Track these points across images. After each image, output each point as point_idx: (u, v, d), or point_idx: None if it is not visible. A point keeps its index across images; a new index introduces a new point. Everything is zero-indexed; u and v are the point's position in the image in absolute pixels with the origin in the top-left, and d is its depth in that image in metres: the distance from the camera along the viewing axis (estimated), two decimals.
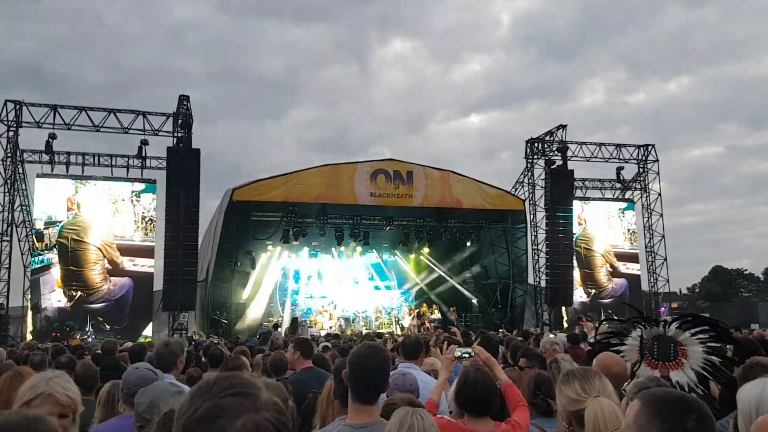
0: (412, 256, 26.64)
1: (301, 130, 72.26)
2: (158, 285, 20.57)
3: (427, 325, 23.54)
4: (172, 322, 20.09)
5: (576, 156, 25.56)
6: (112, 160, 21.34)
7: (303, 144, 72.85)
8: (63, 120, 20.06)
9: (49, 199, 20.04)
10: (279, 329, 21.32)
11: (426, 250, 25.48)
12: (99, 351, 7.61)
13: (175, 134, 20.73)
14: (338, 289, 25.52)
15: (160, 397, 2.80)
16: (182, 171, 19.40)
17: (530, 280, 25.20)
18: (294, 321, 21.81)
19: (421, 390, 3.91)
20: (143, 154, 21.33)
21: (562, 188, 23.88)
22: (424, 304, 25.15)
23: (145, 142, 21.16)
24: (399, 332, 21.19)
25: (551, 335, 10.06)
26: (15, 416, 1.62)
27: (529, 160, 25.67)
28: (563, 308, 24.88)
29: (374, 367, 2.55)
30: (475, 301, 25.87)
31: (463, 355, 3.61)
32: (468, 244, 25.15)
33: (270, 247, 23.82)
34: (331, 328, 22.46)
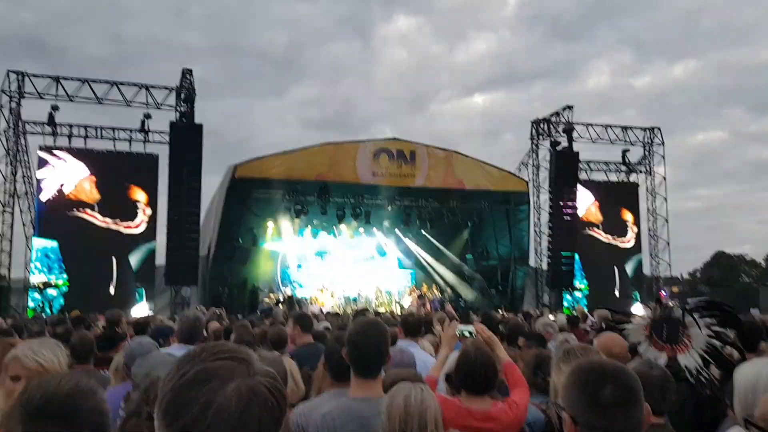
0: (414, 236, 26.68)
1: (303, 108, 71.91)
2: (160, 260, 20.65)
3: (428, 305, 23.65)
4: (174, 296, 20.20)
5: (581, 137, 25.45)
6: (114, 133, 21.27)
7: (305, 122, 72.56)
8: (65, 91, 19.96)
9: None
10: (280, 306, 21.45)
11: (428, 230, 25.49)
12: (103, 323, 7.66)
13: (178, 108, 20.62)
14: (339, 267, 25.58)
15: (156, 367, 2.82)
16: (185, 146, 19.34)
17: (532, 263, 25.28)
18: (291, 298, 21.92)
19: (420, 368, 3.92)
20: (146, 128, 21.24)
21: (567, 170, 23.81)
22: (425, 285, 25.23)
23: (147, 116, 21.07)
24: (399, 312, 21.27)
25: (551, 317, 10.11)
26: (66, 385, 1.55)
27: (534, 141, 25.60)
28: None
29: (371, 342, 2.58)
30: (476, 282, 25.95)
31: (465, 332, 3.59)
32: (470, 225, 25.14)
33: (272, 225, 23.84)
34: (332, 307, 22.57)
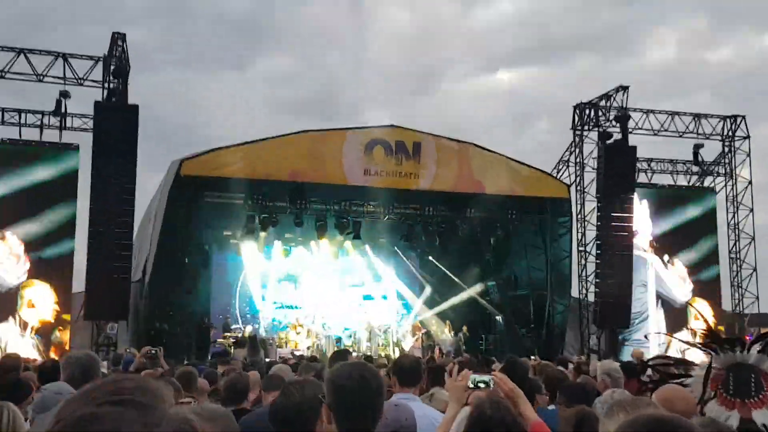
0: (418, 256, 26.62)
1: (272, 86, 71.81)
2: (78, 286, 20.52)
3: (436, 349, 23.61)
4: (96, 335, 20.11)
5: (640, 128, 25.52)
6: (20, 117, 21.25)
7: (275, 104, 72.46)
8: None
9: None
10: (241, 348, 21.32)
11: (436, 248, 25.48)
12: None
13: (106, 85, 20.63)
14: (318, 297, 25.54)
15: None
16: (114, 134, 19.31)
17: (574, 293, 25.27)
18: (253, 338, 21.86)
19: (423, 427, 3.91)
20: (62, 110, 21.23)
21: (620, 169, 23.80)
22: (433, 321, 25.18)
23: (65, 95, 21.08)
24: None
25: (598, 365, 10.07)
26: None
27: (578, 132, 25.59)
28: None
29: (358, 389, 2.59)
30: (499, 318, 25.91)
31: (479, 384, 3.61)
32: (492, 242, 25.15)
33: (229, 239, 23.80)
34: (308, 348, 22.51)
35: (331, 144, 21.36)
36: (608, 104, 24.98)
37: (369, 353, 21.64)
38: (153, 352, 8.76)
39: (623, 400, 2.78)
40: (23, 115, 21.42)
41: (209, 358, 19.71)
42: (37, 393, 4.10)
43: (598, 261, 24.19)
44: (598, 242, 24.26)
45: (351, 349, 22.51)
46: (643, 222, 25.96)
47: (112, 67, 20.52)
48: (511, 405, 3.33)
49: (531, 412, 3.39)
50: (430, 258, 26.41)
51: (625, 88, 24.69)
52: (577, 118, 25.53)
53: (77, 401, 1.03)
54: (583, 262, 25.34)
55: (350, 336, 24.89)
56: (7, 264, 20.26)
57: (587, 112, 25.41)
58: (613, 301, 23.72)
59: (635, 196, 24.56)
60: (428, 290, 26.74)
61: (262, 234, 23.33)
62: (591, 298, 24.89)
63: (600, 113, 25.15)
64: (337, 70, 73.19)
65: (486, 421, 3.05)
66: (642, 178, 26.52)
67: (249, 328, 23.65)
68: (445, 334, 24.53)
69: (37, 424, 3.37)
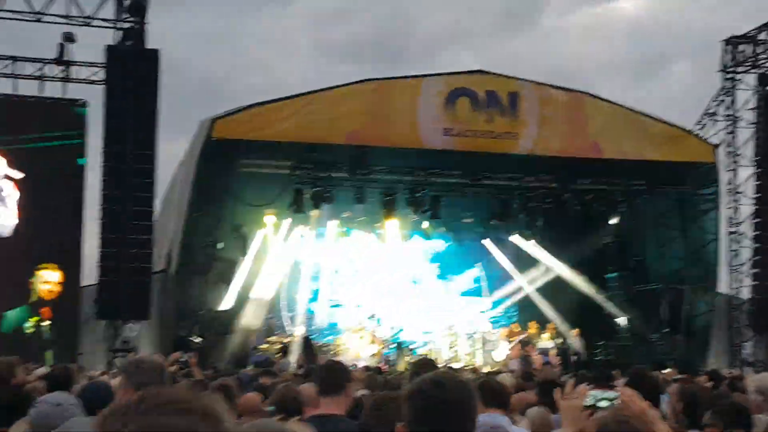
0: (515, 239, 26.50)
1: (323, 25, 71.85)
2: (89, 278, 21.17)
3: (534, 357, 23.52)
4: (113, 337, 20.72)
5: None
6: (15, 67, 21.89)
7: (327, 48, 72.48)
8: None
9: None
10: (287, 357, 21.70)
11: (539, 230, 25.34)
12: None
13: (119, 25, 21.07)
14: (385, 293, 25.69)
15: None
16: (130, 87, 19.73)
17: (722, 288, 24.88)
18: (307, 341, 22.17)
19: None
20: (66, 57, 21.79)
21: None
22: (533, 324, 25.08)
23: (69, 38, 21.59)
24: (489, 369, 21.21)
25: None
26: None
27: (728, 76, 25.11)
28: None
29: (449, 400, 2.65)
30: (622, 319, 25.66)
31: (600, 403, 3.59)
32: (613, 222, 24.83)
33: (272, 219, 24.15)
34: (372, 357, 22.71)
35: (400, 96, 21.41)
36: None
37: (452, 364, 21.71)
38: (184, 359, 8.99)
39: None
40: (19, 63, 21.95)
41: (248, 366, 20.13)
42: (33, 408, 4.24)
43: (756, 245, 23.86)
44: (757, 221, 23.91)
45: (426, 357, 22.66)
46: None
47: (126, 3, 20.93)
48: (640, 426, 3.29)
49: None
50: (531, 243, 26.23)
51: None
52: (728, 57, 25.07)
53: (122, 416, 1.06)
54: (734, 247, 24.92)
55: (426, 342, 24.97)
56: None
57: (742, 48, 24.96)
58: None
59: None
60: (527, 284, 26.59)
61: (314, 213, 23.52)
62: (745, 294, 24.58)
63: (759, 50, 24.68)
64: (405, 4, 72.97)
65: None
66: None
67: (299, 330, 23.98)
68: (548, 340, 24.36)
69: None
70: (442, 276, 27.13)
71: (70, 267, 21.47)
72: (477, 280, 27.22)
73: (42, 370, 10.17)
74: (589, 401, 3.63)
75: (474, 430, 2.75)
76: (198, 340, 21.89)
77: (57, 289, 20.88)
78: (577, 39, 73.86)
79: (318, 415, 4.79)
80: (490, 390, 4.90)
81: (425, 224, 25.23)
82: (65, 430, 3.20)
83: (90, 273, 21.02)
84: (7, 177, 20.67)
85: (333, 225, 25.31)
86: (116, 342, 20.68)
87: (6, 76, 21.88)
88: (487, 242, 26.69)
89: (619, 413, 3.41)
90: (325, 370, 5.18)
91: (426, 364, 5.77)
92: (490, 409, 4.75)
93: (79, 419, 3.50)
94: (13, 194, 20.73)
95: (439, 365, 18.85)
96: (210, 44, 69.29)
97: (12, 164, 20.79)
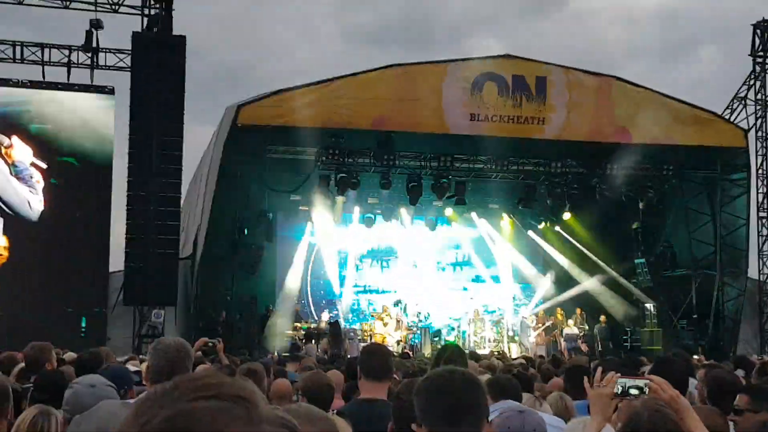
0: (542, 225, 26.43)
1: (347, 10, 71.70)
2: (116, 264, 21.38)
3: (562, 344, 23.54)
4: (138, 323, 20.90)
5: None
6: (43, 54, 22.06)
7: (351, 33, 72.48)
8: None
9: None
10: (312, 342, 21.82)
11: (566, 215, 25.29)
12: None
13: (145, 11, 21.16)
14: (411, 279, 25.72)
15: (105, 428, 2.92)
16: (157, 73, 19.84)
17: (753, 273, 24.77)
18: (335, 326, 22.21)
19: None
20: (94, 45, 21.91)
21: None
22: (559, 310, 25.03)
23: (96, 25, 21.72)
24: (517, 354, 21.20)
25: None
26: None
27: (759, 60, 25.09)
28: None
29: (457, 399, 2.71)
30: (650, 306, 25.58)
31: (630, 390, 3.59)
32: (641, 207, 24.73)
33: (299, 206, 24.22)
34: (398, 343, 22.78)
35: (426, 82, 21.36)
36: None
37: (477, 350, 21.72)
38: (211, 344, 9.04)
39: None
40: (47, 50, 22.13)
41: (273, 354, 20.25)
42: (68, 389, 4.29)
43: None
44: None
45: (453, 344, 22.68)
46: None
47: None
48: (671, 412, 3.28)
49: (699, 425, 3.34)
50: (558, 228, 26.16)
51: None
52: (758, 41, 25.07)
53: (158, 401, 1.07)
54: (765, 232, 24.95)
55: (453, 328, 25.01)
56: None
57: None
58: None
59: None
60: (554, 270, 26.54)
61: (340, 199, 23.57)
62: None
63: None
64: None
65: None
66: None
67: (326, 315, 24.09)
68: (574, 326, 24.32)
69: (75, 425, 3.51)
70: (467, 263, 27.11)
71: (98, 253, 21.73)
72: (507, 267, 27.12)
73: (71, 355, 10.28)
74: (618, 389, 3.62)
75: (483, 424, 2.75)
76: (224, 325, 22.04)
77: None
78: (605, 22, 73.38)
79: (366, 399, 4.78)
80: (499, 387, 4.88)
81: (450, 210, 25.17)
82: (97, 411, 3.23)
83: (117, 259, 21.27)
84: (34, 165, 20.85)
85: (359, 211, 25.35)
86: (143, 327, 20.89)
87: (35, 62, 22.12)
88: (514, 228, 26.62)
89: (651, 402, 3.39)
90: (371, 355, 5.14)
91: (452, 354, 5.72)
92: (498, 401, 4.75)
93: (111, 401, 3.53)
94: (41, 182, 20.94)
95: (465, 351, 18.91)
96: (234, 30, 69.51)
97: (37, 154, 20.98)
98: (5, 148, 20.74)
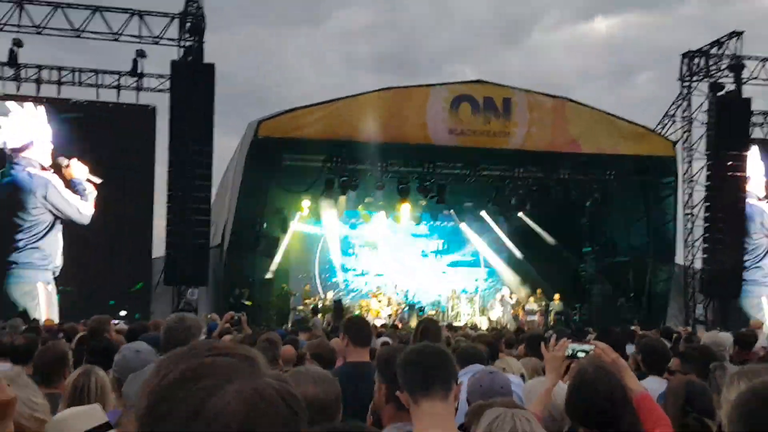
0: (507, 220, 26.43)
1: (350, 41, 71.82)
2: (158, 251, 21.45)
3: (522, 317, 23.57)
4: (177, 300, 20.94)
5: (755, 78, 24.59)
6: (97, 78, 22.04)
7: (353, 60, 72.62)
8: (31, 20, 20.78)
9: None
10: (319, 315, 21.87)
11: (527, 212, 25.27)
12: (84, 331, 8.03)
13: (182, 43, 21.15)
14: (400, 263, 25.74)
15: None
16: (191, 95, 19.87)
17: (679, 260, 24.81)
18: (338, 304, 22.24)
19: (515, 396, 3.91)
20: (139, 70, 21.92)
21: (733, 124, 23.10)
22: (521, 289, 25.06)
23: (141, 54, 21.72)
24: (485, 327, 21.25)
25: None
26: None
27: (685, 84, 25.01)
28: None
29: (431, 357, 2.81)
30: (595, 286, 25.59)
31: (578, 353, 3.63)
32: (588, 204, 24.75)
33: (308, 204, 24.22)
34: (389, 316, 22.80)
35: (413, 102, 21.31)
36: (720, 52, 24.26)
37: (454, 322, 21.78)
38: (236, 317, 9.07)
39: (746, 368, 2.72)
40: (100, 76, 22.17)
41: (288, 325, 20.28)
42: (117, 354, 4.30)
43: (707, 225, 23.71)
44: (708, 204, 23.71)
45: (429, 317, 22.74)
46: (755, 167, 25.36)
47: (187, 25, 20.99)
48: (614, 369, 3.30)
49: (636, 384, 3.35)
50: (520, 223, 26.17)
51: (738, 34, 23.83)
52: (685, 68, 24.94)
53: (177, 359, 1.07)
54: (689, 226, 24.89)
55: (434, 304, 25.04)
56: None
57: (696, 61, 24.79)
58: (723, 268, 23.17)
59: (749, 154, 23.81)
60: (517, 257, 26.56)
61: (342, 198, 23.59)
62: (698, 264, 24.52)
63: (711, 62, 24.43)
64: (417, 23, 72.62)
65: (590, 386, 3.02)
66: (757, 133, 25.69)
67: (330, 294, 24.12)
68: (535, 303, 24.38)
69: (129, 384, 3.51)
70: (446, 250, 27.13)
71: (143, 243, 21.81)
72: (475, 253, 27.20)
73: (122, 326, 10.28)
74: (569, 352, 3.65)
75: (452, 387, 2.80)
76: (248, 302, 22.06)
77: None
78: (560, 53, 73.37)
79: (353, 363, 4.85)
80: (467, 355, 5.04)
81: (432, 208, 25.15)
82: (143, 374, 3.23)
83: (159, 247, 21.40)
84: (89, 180, 20.95)
85: (358, 208, 25.34)
86: (180, 304, 20.95)
87: (90, 85, 22.26)
88: (484, 223, 26.63)
89: (595, 359, 3.42)
90: (356, 326, 5.18)
91: (428, 325, 5.76)
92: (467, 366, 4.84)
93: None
94: (92, 193, 21.07)
95: (444, 323, 18.93)
96: (256, 58, 69.37)
97: (92, 171, 21.09)
98: (64, 168, 20.88)
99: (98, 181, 21.03)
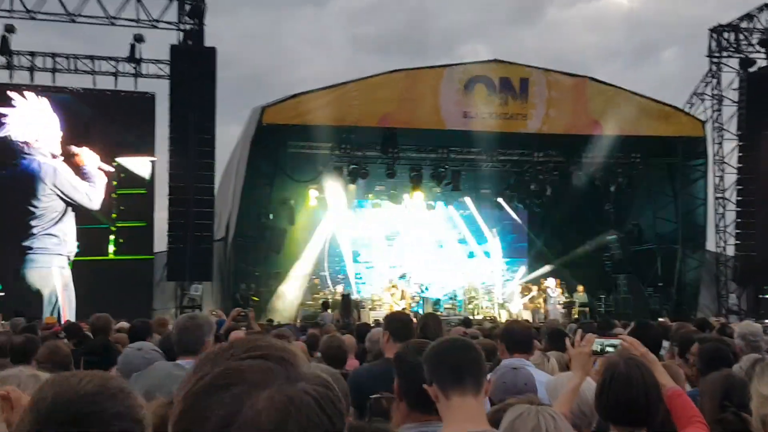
0: (526, 207, 26.36)
1: (356, 22, 71.48)
2: (160, 245, 21.49)
3: (544, 310, 23.52)
4: (180, 296, 21.01)
5: None
6: (93, 65, 22.09)
7: (360, 42, 72.27)
8: (24, 5, 20.82)
9: None
10: (329, 311, 21.89)
11: (547, 198, 25.17)
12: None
13: (181, 26, 21.14)
14: (414, 255, 25.73)
15: (160, 384, 2.94)
16: (192, 80, 19.91)
17: (710, 246, 24.67)
18: (346, 298, 22.27)
19: (540, 393, 3.91)
20: (137, 56, 21.94)
21: (766, 102, 22.92)
22: (543, 280, 25.01)
23: (139, 38, 21.71)
24: (505, 319, 21.22)
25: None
26: (88, 384, 1.66)
27: (714, 60, 24.88)
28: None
29: (458, 350, 2.82)
30: (621, 276, 25.53)
31: (607, 348, 3.66)
32: (612, 190, 24.67)
33: (316, 193, 24.23)
34: (403, 310, 22.80)
35: (425, 84, 21.31)
36: (751, 26, 24.26)
37: (471, 316, 21.75)
38: (244, 313, 9.11)
39: None
40: (96, 62, 22.18)
41: (296, 321, 20.35)
42: (121, 355, 4.32)
43: (739, 209, 23.74)
44: (739, 187, 23.75)
45: (451, 313, 22.76)
46: None
47: (186, 7, 20.98)
48: (646, 363, 3.30)
49: (668, 380, 3.37)
50: (540, 210, 26.10)
51: None
52: (713, 44, 24.81)
53: (213, 360, 1.10)
54: (720, 210, 24.81)
55: (450, 298, 25.02)
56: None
57: (725, 36, 24.71)
58: (757, 254, 23.13)
59: None
60: (538, 246, 26.50)
61: (351, 187, 23.57)
62: (730, 252, 24.52)
63: (741, 37, 24.41)
64: (427, 1, 72.25)
65: (623, 381, 3.01)
66: None
67: (340, 288, 24.14)
68: (557, 295, 24.30)
69: (133, 381, 3.55)
70: (462, 241, 27.09)
71: (145, 235, 21.88)
72: (497, 243, 27.11)
73: (123, 324, 10.31)
74: (596, 348, 3.65)
75: (483, 383, 2.80)
76: (254, 298, 22.15)
77: None
78: (578, 30, 72.81)
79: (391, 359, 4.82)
80: (511, 338, 4.86)
81: (447, 195, 25.12)
82: (153, 370, 3.26)
83: (160, 241, 21.43)
84: (100, 168, 21.12)
85: (368, 197, 25.34)
86: (183, 300, 21.06)
87: (86, 72, 22.19)
88: (502, 211, 26.56)
89: (625, 352, 3.43)
90: (398, 321, 5.10)
91: (428, 320, 5.67)
92: (515, 354, 4.73)
93: (164, 362, 3.55)
94: (102, 180, 21.22)
95: (459, 318, 18.91)
96: (259, 41, 69.23)
97: (103, 159, 21.23)
98: (75, 156, 21.05)
99: (110, 169, 21.19)
